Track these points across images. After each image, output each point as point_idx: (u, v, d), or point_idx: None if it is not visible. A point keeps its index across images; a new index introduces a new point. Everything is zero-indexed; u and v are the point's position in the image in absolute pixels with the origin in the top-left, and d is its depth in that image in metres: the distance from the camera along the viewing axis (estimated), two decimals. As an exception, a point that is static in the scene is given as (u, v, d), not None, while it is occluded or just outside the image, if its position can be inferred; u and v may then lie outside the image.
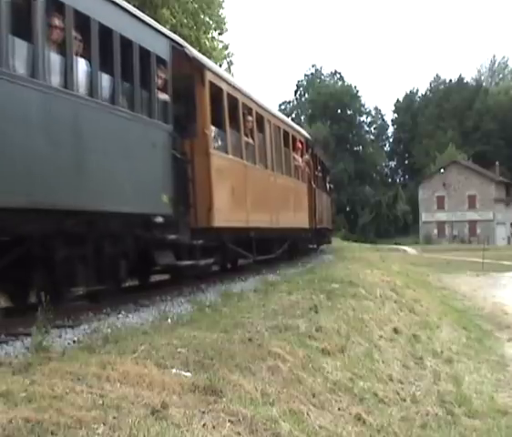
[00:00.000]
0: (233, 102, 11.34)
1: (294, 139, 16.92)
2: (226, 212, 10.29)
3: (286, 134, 15.89)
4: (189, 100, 9.76)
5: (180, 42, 9.70)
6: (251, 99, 12.87)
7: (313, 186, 19.02)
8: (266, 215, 13.25)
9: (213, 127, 10.24)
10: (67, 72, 6.54)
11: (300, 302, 8.46)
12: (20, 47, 5.95)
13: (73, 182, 6.62)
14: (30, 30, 6.02)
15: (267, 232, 13.42)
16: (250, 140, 12.31)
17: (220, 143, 10.75)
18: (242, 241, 11.93)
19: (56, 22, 6.45)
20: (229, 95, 11.00)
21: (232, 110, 11.22)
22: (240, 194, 11.37)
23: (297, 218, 16.40)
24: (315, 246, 21.31)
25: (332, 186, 28.37)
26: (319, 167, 21.46)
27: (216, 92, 10.35)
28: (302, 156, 17.50)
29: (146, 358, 4.60)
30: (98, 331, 5.75)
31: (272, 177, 13.94)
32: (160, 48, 8.66)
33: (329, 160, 33.00)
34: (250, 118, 12.25)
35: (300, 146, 17.22)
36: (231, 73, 24.43)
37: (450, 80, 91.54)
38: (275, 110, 15.51)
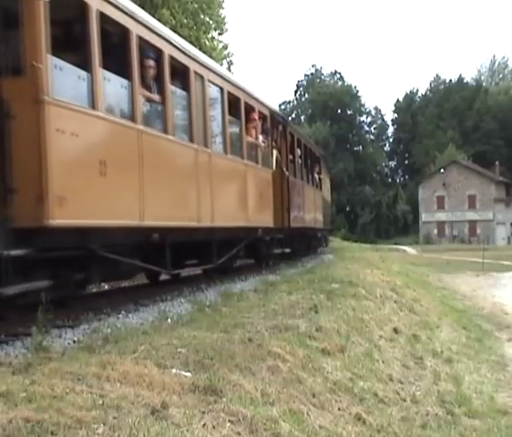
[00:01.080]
0: (117, 31, 7.51)
1: (249, 109, 12.18)
2: (87, 202, 6.51)
3: (234, 99, 11.26)
4: (8, 12, 5.99)
5: None
6: (162, 37, 8.49)
7: (286, 173, 14.74)
8: (186, 209, 9.03)
9: (57, 61, 6.21)
10: None
11: (300, 302, 8.46)
12: None
13: None
14: None
15: (198, 234, 9.60)
16: (156, 97, 8.27)
17: (75, 89, 6.70)
18: (140, 247, 8.07)
19: None
20: (104, 17, 6.89)
21: (114, 44, 7.49)
22: (125, 175, 7.26)
23: (253, 215, 11.95)
24: (289, 250, 16.26)
25: (321, 176, 22.79)
26: (298, 152, 16.90)
27: (69, 4, 6.64)
28: (264, 132, 13.34)
29: (146, 358, 4.60)
30: (98, 331, 5.75)
31: (205, 155, 9.55)
32: None
33: (321, 149, 28.08)
34: (152, 63, 8.13)
35: (256, 117, 12.52)
36: (231, 73, 24.46)
37: (450, 80, 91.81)
38: (215, 64, 11.10)
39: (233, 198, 11.22)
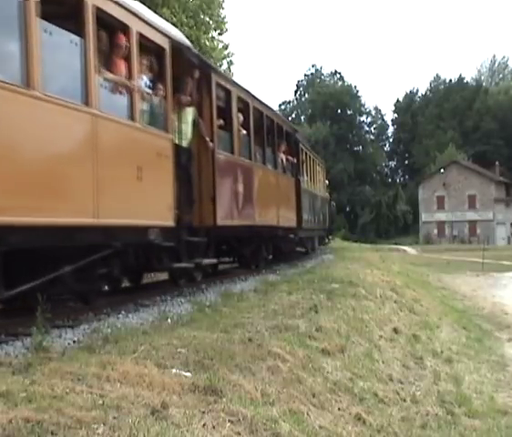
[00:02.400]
0: None
1: (114, 26, 7.31)
2: None
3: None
4: None
5: None
6: None
7: (210, 145, 9.81)
8: None
9: None
10: None
11: (300, 302, 8.46)
12: None
13: None
14: None
15: None
16: None
17: None
18: None
19: None
20: None
21: None
22: None
23: (122, 206, 7.23)
24: (212, 260, 10.81)
25: (293, 159, 16.64)
26: (240, 118, 11.64)
27: None
28: (155, 73, 8.44)
29: (146, 358, 4.60)
30: (98, 331, 5.75)
31: None
32: None
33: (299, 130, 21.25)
34: None
35: (128, 43, 7.49)
36: (231, 73, 24.45)
37: (450, 80, 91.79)
38: None
39: (57, 172, 6.11)
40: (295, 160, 16.99)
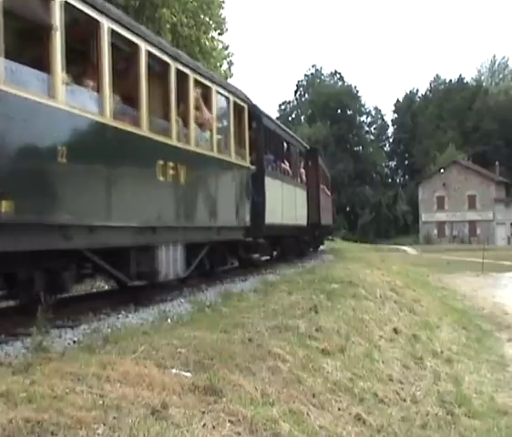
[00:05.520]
0: None
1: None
2: None
3: None
4: None
5: None
6: None
7: None
8: None
9: None
10: None
11: (300, 302, 8.46)
12: None
13: None
14: None
15: None
16: None
17: None
18: None
19: None
20: None
21: None
22: None
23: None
24: None
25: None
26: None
27: None
28: None
29: (146, 358, 4.60)
30: (98, 331, 5.75)
31: None
32: None
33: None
34: None
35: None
36: (231, 73, 24.43)
37: (450, 80, 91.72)
38: None
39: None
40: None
